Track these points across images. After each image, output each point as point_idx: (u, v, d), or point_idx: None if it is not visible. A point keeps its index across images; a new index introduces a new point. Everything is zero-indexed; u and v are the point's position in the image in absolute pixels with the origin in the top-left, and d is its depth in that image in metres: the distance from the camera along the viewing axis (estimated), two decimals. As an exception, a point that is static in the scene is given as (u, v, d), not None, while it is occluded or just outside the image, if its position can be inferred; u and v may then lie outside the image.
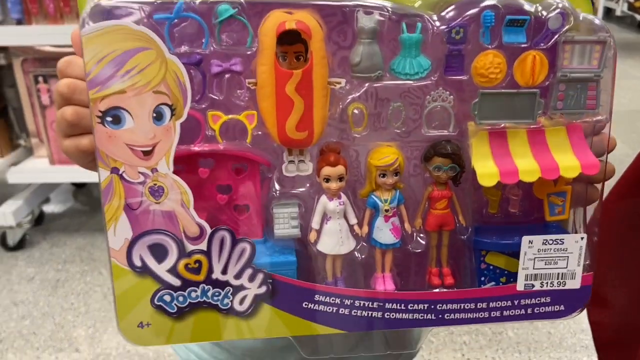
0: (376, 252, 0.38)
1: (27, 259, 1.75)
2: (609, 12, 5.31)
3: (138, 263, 0.36)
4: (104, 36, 0.31)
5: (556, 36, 0.34)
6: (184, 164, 0.35)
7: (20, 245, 1.79)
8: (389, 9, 0.34)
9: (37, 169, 1.71)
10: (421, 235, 0.39)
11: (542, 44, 0.35)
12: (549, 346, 1.40)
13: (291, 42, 0.32)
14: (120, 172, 0.34)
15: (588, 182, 0.37)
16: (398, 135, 0.37)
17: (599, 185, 0.38)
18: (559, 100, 0.35)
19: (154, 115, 0.33)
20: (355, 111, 0.36)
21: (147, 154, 0.34)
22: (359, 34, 0.34)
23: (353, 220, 0.38)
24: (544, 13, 0.34)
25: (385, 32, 0.34)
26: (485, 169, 0.35)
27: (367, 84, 0.35)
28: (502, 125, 0.36)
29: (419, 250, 0.39)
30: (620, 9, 5.16)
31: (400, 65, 0.35)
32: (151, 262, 0.36)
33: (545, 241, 0.36)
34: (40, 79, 1.61)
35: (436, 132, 0.36)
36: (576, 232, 0.38)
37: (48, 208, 2.00)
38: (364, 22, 0.34)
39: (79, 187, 2.16)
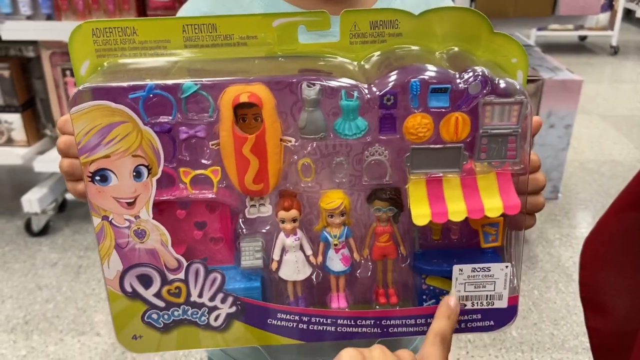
0: (330, 277, 0.45)
1: (50, 245, 1.83)
2: (629, 14, 5.25)
3: (129, 289, 0.43)
4: (89, 114, 0.38)
5: (476, 100, 0.39)
6: (165, 209, 0.43)
7: (44, 231, 1.87)
8: (328, 81, 0.39)
9: (62, 158, 1.77)
10: (369, 263, 0.45)
11: (464, 107, 0.39)
12: (551, 347, 1.44)
13: (249, 106, 0.39)
14: (109, 219, 0.41)
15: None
16: (344, 185, 0.43)
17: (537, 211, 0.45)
18: (482, 152, 0.40)
19: (134, 174, 0.40)
20: (305, 164, 0.42)
21: (131, 204, 0.41)
22: (303, 103, 0.39)
23: (308, 252, 0.44)
24: (465, 83, 0.39)
25: (325, 99, 0.40)
26: (419, 210, 0.40)
27: (314, 143, 0.41)
28: (433, 174, 0.41)
29: (368, 275, 0.46)
30: (642, 10, 5.10)
31: (341, 126, 0.40)
32: (140, 289, 0.43)
33: (474, 269, 0.42)
34: (68, 72, 1.67)
35: (374, 182, 0.43)
36: (509, 257, 0.44)
37: (70, 196, 2.06)
38: (307, 93, 0.39)
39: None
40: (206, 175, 0.41)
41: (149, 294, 0.43)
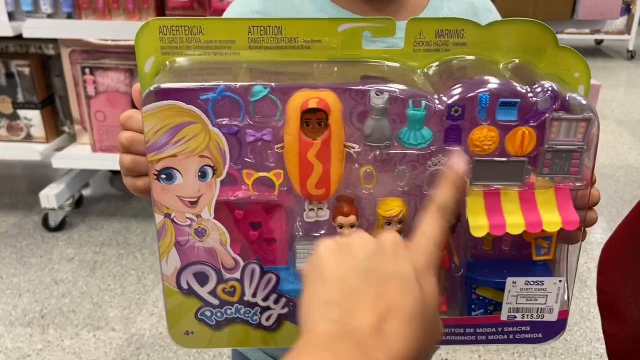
0: None
1: (67, 240, 1.85)
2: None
3: (185, 286, 0.44)
4: (159, 113, 0.39)
5: (545, 115, 0.39)
6: (224, 209, 0.43)
7: (61, 226, 1.90)
8: (397, 90, 0.39)
9: (80, 155, 1.80)
10: None
11: (531, 121, 0.39)
12: (564, 352, 1.44)
13: (314, 111, 0.39)
14: (171, 217, 0.42)
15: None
16: (403, 193, 0.43)
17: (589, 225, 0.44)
18: (545, 166, 0.40)
19: (199, 174, 0.41)
20: (367, 171, 0.42)
21: (193, 203, 0.42)
22: (371, 110, 0.40)
23: None
24: (535, 97, 0.39)
25: (393, 107, 0.40)
26: (477, 222, 0.40)
27: (377, 150, 0.41)
28: (494, 187, 0.41)
29: None
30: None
31: (406, 135, 0.40)
32: (195, 286, 0.44)
33: (527, 282, 0.42)
34: (87, 70, 1.69)
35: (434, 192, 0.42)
36: (561, 270, 0.44)
37: (86, 192, 2.09)
38: (375, 102, 0.39)
39: (116, 173, 2.25)
40: (268, 178, 0.42)
41: (204, 291, 0.44)
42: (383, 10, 0.58)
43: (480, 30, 0.41)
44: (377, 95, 0.39)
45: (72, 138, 1.88)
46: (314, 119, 0.40)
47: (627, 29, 4.23)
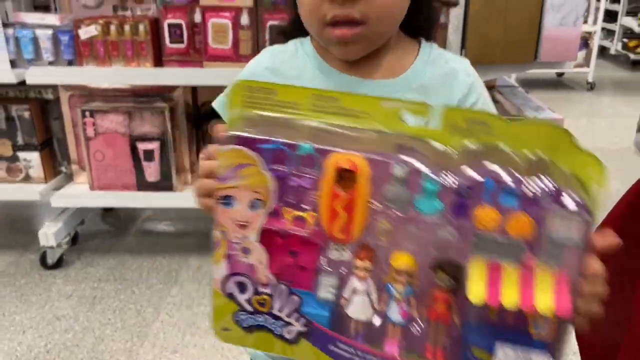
0: (389, 323, 0.51)
1: (64, 278, 1.90)
2: (603, 51, 5.53)
3: (228, 291, 0.53)
4: (230, 153, 0.51)
5: (543, 208, 0.44)
6: (269, 236, 0.52)
7: (58, 264, 1.95)
8: (418, 166, 0.47)
9: (78, 193, 1.87)
10: (425, 320, 0.50)
11: (530, 211, 0.44)
12: None
13: (346, 170, 0.49)
14: (226, 234, 0.52)
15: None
16: (414, 251, 0.49)
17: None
18: (543, 254, 0.44)
19: (250, 204, 0.51)
20: (384, 227, 0.49)
21: (243, 227, 0.52)
22: (393, 178, 0.48)
23: (374, 298, 0.51)
24: (535, 189, 0.44)
25: (413, 178, 0.47)
26: (476, 290, 0.45)
27: (394, 211, 0.48)
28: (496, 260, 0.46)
29: (421, 330, 0.50)
30: (615, 47, 5.38)
31: (421, 203, 0.47)
32: (236, 292, 0.53)
33: (516, 353, 0.46)
34: (87, 113, 1.78)
35: (440, 255, 0.48)
36: (556, 350, 0.46)
37: (82, 229, 2.15)
38: (397, 172, 0.48)
39: (108, 210, 2.32)
40: (304, 217, 0.51)
41: (242, 298, 0.53)
42: (362, 70, 0.67)
43: (505, 124, 0.46)
44: (400, 166, 0.47)
45: (69, 178, 1.95)
46: (347, 175, 0.48)
47: (586, 62, 4.52)
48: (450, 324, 0.49)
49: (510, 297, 0.44)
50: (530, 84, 4.40)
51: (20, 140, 1.86)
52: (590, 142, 3.31)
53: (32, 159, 1.88)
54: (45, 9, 2.12)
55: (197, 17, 1.69)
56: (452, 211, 0.47)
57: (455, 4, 1.47)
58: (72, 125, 1.86)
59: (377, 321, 0.51)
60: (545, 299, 0.43)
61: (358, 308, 0.51)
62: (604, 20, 4.71)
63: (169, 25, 1.71)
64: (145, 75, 1.73)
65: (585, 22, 4.38)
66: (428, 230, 0.48)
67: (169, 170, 1.84)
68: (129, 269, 1.96)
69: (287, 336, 0.53)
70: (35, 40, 1.77)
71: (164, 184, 1.85)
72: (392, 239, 0.49)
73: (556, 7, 1.46)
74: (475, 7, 1.48)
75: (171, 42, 1.72)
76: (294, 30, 0.72)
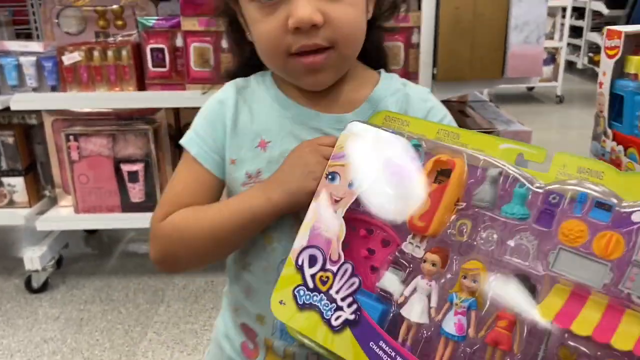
0: (441, 338, 0.47)
1: (50, 301, 1.91)
2: (570, 65, 5.73)
3: (300, 263, 0.54)
4: (348, 136, 0.57)
5: (636, 228, 0.41)
6: (355, 224, 0.54)
7: (43, 287, 1.95)
8: (512, 169, 0.48)
9: (63, 217, 1.89)
10: (480, 343, 0.46)
11: (622, 229, 0.41)
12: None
13: (444, 164, 0.51)
14: (317, 205, 0.55)
15: None
16: (488, 256, 0.47)
17: None
18: (630, 280, 0.39)
19: (350, 182, 0.54)
20: (462, 227, 0.49)
21: (337, 201, 0.54)
22: (486, 177, 0.49)
23: (433, 304, 0.48)
24: (630, 207, 0.41)
25: (505, 182, 0.48)
26: (548, 305, 0.41)
27: (477, 209, 0.49)
28: (574, 280, 0.42)
29: (475, 353, 0.46)
30: (582, 62, 5.59)
31: (508, 207, 0.46)
32: (305, 265, 0.54)
33: None
34: (71, 137, 1.81)
35: (516, 261, 0.46)
36: None
37: (65, 252, 2.16)
38: (490, 172, 0.48)
39: (90, 233, 2.33)
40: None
41: (309, 272, 0.53)
42: (321, 102, 0.66)
43: (619, 176, 0.45)
44: (494, 169, 0.48)
45: (53, 201, 1.97)
46: (446, 176, 0.50)
47: (554, 76, 4.68)
48: (509, 353, 0.44)
49: (583, 323, 0.40)
50: (503, 99, 4.54)
51: (4, 165, 1.88)
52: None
53: (17, 183, 1.89)
54: (27, 36, 2.16)
55: (179, 42, 1.75)
56: (537, 219, 0.45)
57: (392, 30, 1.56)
58: (55, 150, 1.89)
59: (429, 330, 0.48)
60: (626, 334, 0.39)
61: (414, 309, 0.48)
62: (570, 36, 4.91)
63: (152, 50, 1.76)
64: (129, 98, 1.77)
65: (552, 38, 4.56)
66: (508, 233, 0.46)
67: (154, 191, 1.88)
68: (115, 290, 1.97)
69: (334, 322, 0.51)
70: (19, 67, 1.80)
71: (149, 205, 1.89)
72: (468, 241, 0.48)
73: (519, 26, 1.56)
74: (444, 27, 1.56)
75: (154, 66, 1.77)
76: (244, 71, 0.72)
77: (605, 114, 1.02)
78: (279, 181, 0.61)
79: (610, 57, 0.95)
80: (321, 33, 0.59)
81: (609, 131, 1.05)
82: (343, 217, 0.53)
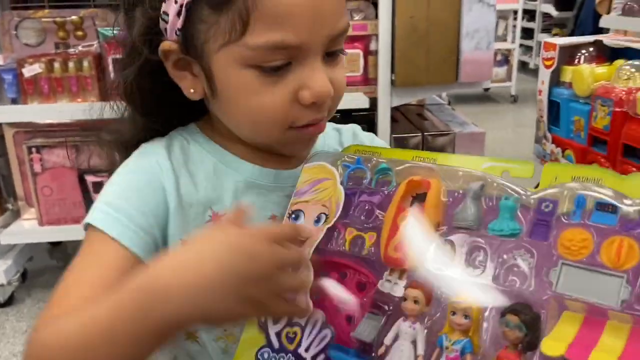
0: None
1: (16, 315, 1.89)
2: (523, 65, 5.95)
3: (263, 320, 0.47)
4: (312, 169, 0.52)
5: None
6: (327, 268, 0.47)
7: (9, 301, 1.93)
8: (496, 180, 0.42)
9: (26, 230, 1.87)
10: None
11: (634, 231, 0.33)
12: None
13: (418, 187, 0.46)
14: None
15: None
16: (476, 286, 0.40)
17: None
18: None
19: (316, 219, 0.49)
20: (446, 246, 0.42)
21: (303, 241, 0.48)
22: (467, 193, 0.42)
23: (420, 351, 0.40)
24: (638, 205, 0.34)
25: (489, 197, 0.42)
26: (555, 338, 0.34)
27: (462, 230, 0.42)
28: (585, 300, 0.34)
29: None
30: (534, 62, 5.80)
31: (495, 224, 0.40)
32: (269, 323, 0.47)
33: None
34: (33, 149, 1.80)
35: (513, 286, 0.38)
36: None
37: (29, 266, 2.13)
38: (471, 186, 0.43)
39: (55, 245, 2.31)
40: (363, 240, 0.46)
41: (273, 330, 0.47)
42: (270, 159, 0.57)
43: (620, 180, 0.38)
44: (476, 183, 0.42)
45: (16, 214, 1.95)
46: (423, 196, 0.44)
47: (508, 77, 4.86)
48: None
49: (605, 354, 0.32)
50: (460, 99, 4.68)
51: (-36, 179, 1.86)
52: (516, 150, 3.58)
53: (-23, 197, 1.87)
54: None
55: (141, 52, 1.76)
56: (530, 233, 0.38)
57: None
58: (17, 162, 1.87)
59: None
60: None
61: (397, 358, 0.41)
62: (522, 38, 5.09)
63: (113, 60, 1.77)
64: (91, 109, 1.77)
65: (505, 40, 4.74)
66: (499, 255, 0.39)
67: (120, 201, 1.88)
68: (82, 301, 1.96)
69: None
70: (-23, 81, 1.78)
71: (115, 214, 1.89)
72: (454, 269, 0.40)
73: (470, 33, 1.64)
74: (400, 35, 1.63)
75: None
76: (149, 136, 0.58)
77: (545, 119, 1.11)
78: (192, 302, 0.40)
79: (547, 67, 1.03)
80: (327, 102, 0.52)
81: (549, 135, 1.14)
82: (311, 261, 0.46)
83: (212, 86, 0.52)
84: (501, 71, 4.78)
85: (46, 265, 2.23)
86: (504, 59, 4.79)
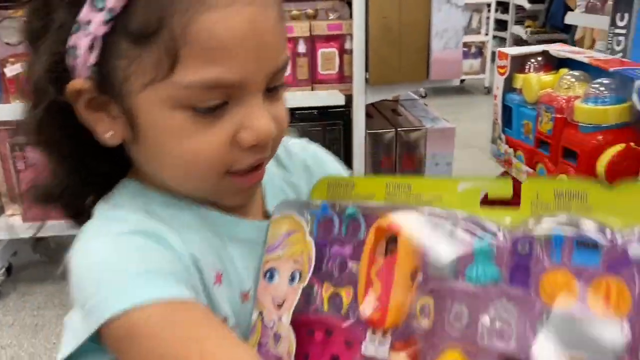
0: None
1: (3, 308, 1.93)
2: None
3: None
4: (281, 220, 0.48)
5: (637, 265, 0.30)
6: (312, 327, 0.43)
7: (-5, 296, 1.97)
8: (462, 219, 0.37)
9: (11, 225, 1.91)
10: None
11: (619, 271, 0.30)
12: None
13: (389, 233, 0.41)
14: (262, 315, 0.45)
15: None
16: (463, 341, 0.36)
17: None
18: None
19: (290, 277, 0.44)
20: (425, 308, 0.38)
21: (279, 306, 0.44)
22: (438, 236, 0.39)
23: None
24: (623, 239, 0.31)
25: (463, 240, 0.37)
26: None
27: (438, 280, 0.38)
28: (582, 358, 0.30)
29: None
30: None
31: (471, 270, 0.36)
32: None
33: None
34: (17, 147, 1.84)
35: (498, 344, 0.34)
36: None
37: (14, 260, 2.17)
38: (441, 228, 0.38)
39: (38, 240, 2.34)
40: (341, 298, 0.42)
41: None
42: (240, 209, 0.52)
43: (606, 191, 0.35)
44: (447, 224, 0.38)
45: (0, 210, 1.98)
46: (393, 247, 0.39)
47: (482, 69, 4.97)
48: None
49: None
50: (437, 91, 4.78)
51: (-53, 177, 1.88)
52: (488, 141, 3.69)
53: (-39, 195, 1.90)
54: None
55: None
56: (510, 279, 0.34)
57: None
58: (0, 159, 1.90)
59: None
60: None
61: None
62: (495, 29, 5.20)
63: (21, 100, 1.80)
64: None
65: (479, 33, 4.84)
66: (479, 306, 0.35)
67: (103, 196, 1.93)
68: (67, 294, 2.00)
69: None
70: (-41, 80, 1.80)
71: (99, 210, 1.94)
72: (434, 325, 0.37)
73: (440, 33, 1.72)
74: (374, 35, 1.71)
75: (98, 75, 1.81)
76: (78, 191, 0.53)
77: (500, 121, 1.21)
78: None
79: (501, 74, 1.13)
80: (269, 143, 0.46)
81: (503, 136, 1.25)
82: (292, 323, 0.43)
83: (135, 129, 0.45)
84: (475, 63, 4.89)
85: (31, 259, 2.27)
86: (478, 51, 4.89)
